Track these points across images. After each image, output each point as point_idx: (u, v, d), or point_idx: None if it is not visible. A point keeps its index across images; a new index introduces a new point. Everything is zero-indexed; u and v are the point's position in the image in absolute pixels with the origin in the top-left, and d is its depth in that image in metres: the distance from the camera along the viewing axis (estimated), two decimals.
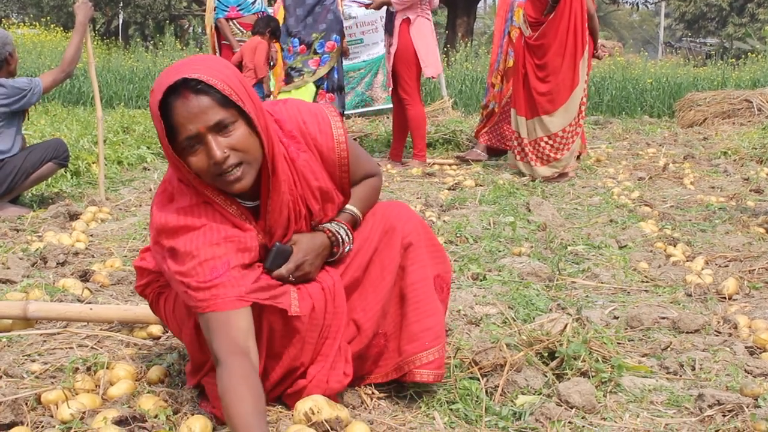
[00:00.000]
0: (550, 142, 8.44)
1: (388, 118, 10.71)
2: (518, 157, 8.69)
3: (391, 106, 10.60)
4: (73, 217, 6.49)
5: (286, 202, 2.76)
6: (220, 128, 2.53)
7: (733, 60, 22.88)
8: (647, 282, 4.75)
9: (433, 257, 3.05)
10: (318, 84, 9.52)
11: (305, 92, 9.61)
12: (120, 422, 2.74)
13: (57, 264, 5.01)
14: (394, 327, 3.02)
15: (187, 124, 2.50)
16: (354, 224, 3.00)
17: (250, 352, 2.56)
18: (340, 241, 2.92)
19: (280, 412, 2.94)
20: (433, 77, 10.20)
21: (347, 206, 3.00)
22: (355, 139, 11.17)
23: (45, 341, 3.70)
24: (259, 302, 2.66)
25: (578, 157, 9.06)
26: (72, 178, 8.22)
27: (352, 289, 2.98)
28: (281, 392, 2.97)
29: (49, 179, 7.54)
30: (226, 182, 2.60)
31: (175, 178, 2.72)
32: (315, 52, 9.40)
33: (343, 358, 2.94)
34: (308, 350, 2.87)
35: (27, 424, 2.76)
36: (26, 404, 2.91)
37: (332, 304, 2.89)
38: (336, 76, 9.50)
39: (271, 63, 9.78)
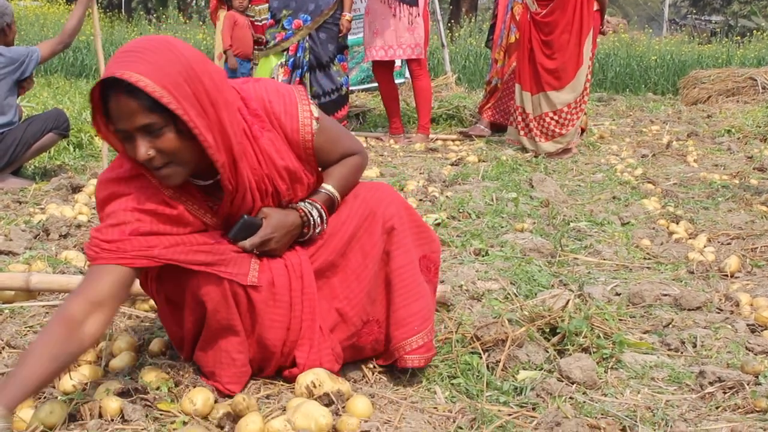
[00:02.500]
0: (555, 117, 8.42)
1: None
2: (522, 132, 8.65)
3: (398, 81, 10.55)
4: (76, 189, 6.49)
5: (245, 186, 2.74)
6: (147, 131, 2.51)
7: (738, 38, 22.82)
8: (649, 259, 4.75)
9: (417, 239, 3.01)
10: (283, 61, 9.42)
11: (265, 64, 9.55)
12: (122, 394, 2.75)
13: (59, 236, 5.01)
14: (384, 313, 2.99)
15: (117, 120, 2.51)
16: (331, 204, 2.97)
17: (89, 318, 2.54)
18: (312, 222, 2.91)
19: (282, 385, 2.95)
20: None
21: (324, 185, 2.97)
22: (357, 115, 11.15)
23: (47, 313, 3.71)
24: (172, 262, 2.66)
25: (582, 134, 9.04)
26: (74, 150, 8.21)
27: (330, 274, 2.96)
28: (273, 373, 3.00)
29: (52, 151, 7.54)
30: (157, 177, 2.63)
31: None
32: (283, 28, 9.34)
33: (327, 340, 2.94)
34: (277, 328, 2.85)
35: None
36: None
37: (298, 283, 2.87)
38: (301, 55, 9.34)
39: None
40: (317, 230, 2.93)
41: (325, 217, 2.94)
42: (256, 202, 2.83)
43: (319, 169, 3.01)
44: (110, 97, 2.48)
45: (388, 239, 2.92)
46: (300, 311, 2.88)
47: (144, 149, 2.51)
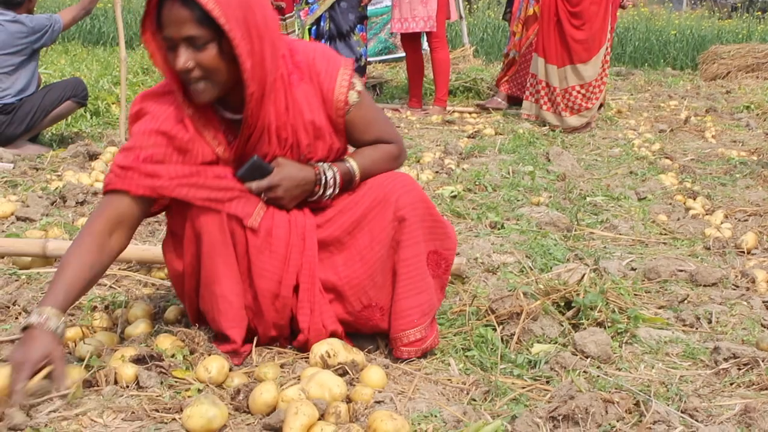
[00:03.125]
0: (583, 91, 8.35)
1: None
2: (545, 107, 8.58)
3: None
4: (93, 157, 6.50)
5: (266, 127, 2.84)
6: (192, 43, 2.63)
7: (759, 13, 22.58)
8: (666, 234, 4.73)
9: (430, 233, 2.96)
10: (309, 30, 9.40)
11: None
12: (137, 360, 2.76)
13: (76, 203, 5.02)
14: (388, 300, 2.96)
15: (166, 26, 2.65)
16: (349, 179, 2.98)
17: (114, 232, 2.79)
18: (324, 181, 2.93)
19: (296, 354, 2.96)
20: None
21: (348, 158, 3.00)
22: (374, 86, 11.11)
23: None
24: (175, 196, 2.78)
25: (600, 108, 8.99)
26: (91, 118, 8.22)
27: (335, 249, 2.96)
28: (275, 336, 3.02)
29: (69, 119, 7.55)
30: (190, 90, 2.74)
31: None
32: (306, 2, 9.31)
33: (327, 303, 2.95)
34: (268, 279, 2.87)
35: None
36: None
37: (298, 241, 2.90)
38: (324, 24, 9.30)
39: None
40: (328, 192, 2.95)
41: (338, 182, 2.95)
42: (273, 147, 2.88)
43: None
44: (165, 2, 2.63)
45: (398, 228, 2.88)
46: (296, 268, 2.89)
47: (184, 59, 2.63)
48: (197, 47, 2.63)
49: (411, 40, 9.46)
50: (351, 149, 3.10)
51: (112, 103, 8.62)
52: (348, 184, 2.99)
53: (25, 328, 2.56)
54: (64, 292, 2.65)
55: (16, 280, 3.71)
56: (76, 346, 2.92)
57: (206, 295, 2.91)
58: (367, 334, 3.06)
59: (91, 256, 2.71)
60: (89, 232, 2.75)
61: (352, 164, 2.97)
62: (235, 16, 2.61)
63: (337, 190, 2.96)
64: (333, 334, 2.94)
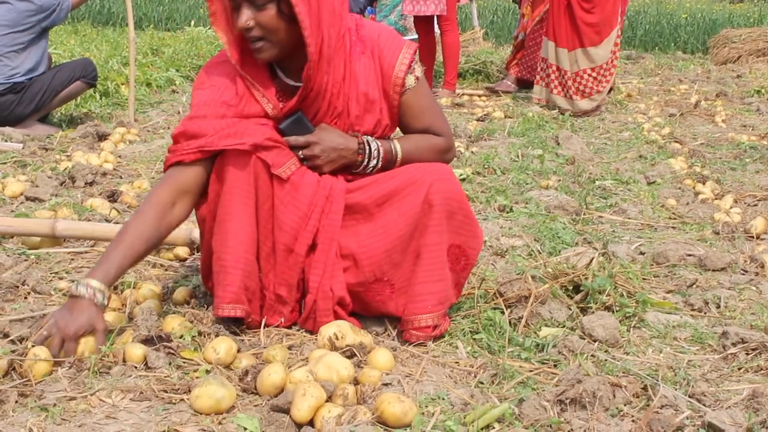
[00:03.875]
0: (593, 74, 8.33)
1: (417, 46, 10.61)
2: (556, 91, 8.55)
3: None
4: (102, 137, 6.51)
5: (322, 92, 2.92)
6: (253, 2, 2.76)
7: None
8: (675, 219, 4.73)
9: (456, 226, 2.94)
10: None
11: None
12: (146, 341, 2.77)
13: (85, 184, 5.03)
14: (405, 282, 2.95)
15: None
16: (389, 156, 3.03)
17: (177, 202, 2.91)
18: (368, 151, 2.99)
19: (304, 336, 2.96)
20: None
21: (393, 141, 3.06)
22: None
23: (73, 259, 3.73)
24: (221, 148, 2.86)
25: (609, 92, 8.96)
26: (101, 98, 8.23)
27: (361, 218, 2.96)
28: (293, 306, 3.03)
29: (78, 99, 7.56)
30: (252, 48, 2.86)
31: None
32: None
33: (340, 269, 2.96)
34: (286, 231, 2.90)
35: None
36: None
37: (324, 202, 2.93)
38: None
39: None
40: (372, 162, 3.01)
41: (382, 155, 3.01)
42: (322, 113, 2.97)
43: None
44: None
45: (428, 212, 2.87)
46: (314, 228, 2.93)
47: (245, 18, 2.77)
48: (258, 7, 2.75)
49: (424, 23, 9.45)
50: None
51: (122, 84, 8.63)
52: (388, 164, 3.03)
53: (72, 296, 2.68)
54: (116, 266, 2.76)
55: (26, 260, 3.71)
56: None
57: (217, 232, 2.92)
58: (373, 315, 3.06)
59: (150, 230, 2.83)
60: (151, 205, 2.86)
61: (396, 145, 3.04)
62: None
63: (380, 164, 3.02)
64: (340, 302, 2.95)
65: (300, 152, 2.93)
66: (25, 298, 3.30)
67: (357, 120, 2.98)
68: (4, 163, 5.57)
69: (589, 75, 8.35)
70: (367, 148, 2.98)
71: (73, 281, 2.69)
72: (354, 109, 2.97)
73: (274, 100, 2.92)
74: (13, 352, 2.63)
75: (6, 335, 2.86)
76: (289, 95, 2.97)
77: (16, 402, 2.40)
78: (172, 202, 2.88)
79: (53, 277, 3.52)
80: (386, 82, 2.98)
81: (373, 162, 3.00)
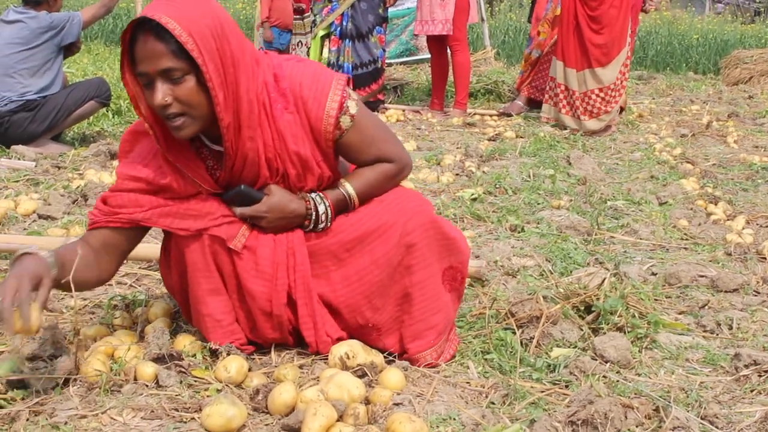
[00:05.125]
0: (602, 94, 8.33)
1: (429, 66, 10.64)
2: (564, 111, 8.56)
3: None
4: (114, 156, 6.53)
5: (249, 157, 2.75)
6: (169, 76, 2.54)
7: None
8: (687, 239, 4.71)
9: (443, 251, 2.89)
10: (331, 30, 9.45)
11: (315, 44, 9.61)
12: (157, 360, 2.77)
13: None
14: (392, 323, 2.93)
15: (141, 61, 2.54)
16: (344, 205, 2.90)
17: (101, 256, 2.80)
18: (314, 217, 2.86)
19: (315, 356, 2.96)
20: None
21: (345, 183, 2.90)
22: (395, 88, 11.12)
23: None
24: (159, 226, 2.79)
25: (621, 112, 8.96)
26: (113, 117, 8.26)
27: (331, 265, 2.90)
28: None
29: (91, 118, 7.59)
30: (169, 126, 2.64)
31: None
32: (328, 0, 9.35)
33: (327, 314, 2.93)
34: (260, 299, 2.85)
35: (70, 355, 2.79)
36: (66, 338, 2.95)
37: (287, 258, 2.86)
38: (347, 23, 9.34)
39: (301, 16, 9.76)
40: (319, 226, 2.88)
41: (330, 216, 2.88)
42: (263, 176, 2.82)
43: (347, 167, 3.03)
44: (138, 38, 2.53)
45: (407, 253, 2.83)
46: (285, 286, 2.86)
47: (162, 94, 2.53)
48: (174, 81, 2.54)
49: (436, 42, 9.48)
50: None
51: None
52: (345, 210, 2.91)
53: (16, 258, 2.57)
54: (65, 253, 2.65)
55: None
56: (96, 342, 2.93)
57: (194, 314, 2.94)
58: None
59: (88, 255, 2.72)
60: (82, 243, 2.77)
61: (348, 189, 2.88)
62: (207, 47, 2.52)
63: (329, 224, 2.89)
64: (340, 338, 2.94)
65: (248, 219, 2.84)
66: None
67: (298, 179, 2.85)
68: (17, 181, 5.59)
69: (597, 95, 8.35)
70: (313, 213, 2.86)
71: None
72: (291, 169, 2.82)
73: (207, 179, 2.79)
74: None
75: (17, 353, 2.87)
76: (219, 160, 2.83)
77: (28, 420, 2.40)
78: (97, 252, 2.78)
79: (65, 295, 3.52)
80: (317, 135, 2.78)
81: (321, 225, 2.88)
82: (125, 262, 3.60)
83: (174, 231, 2.76)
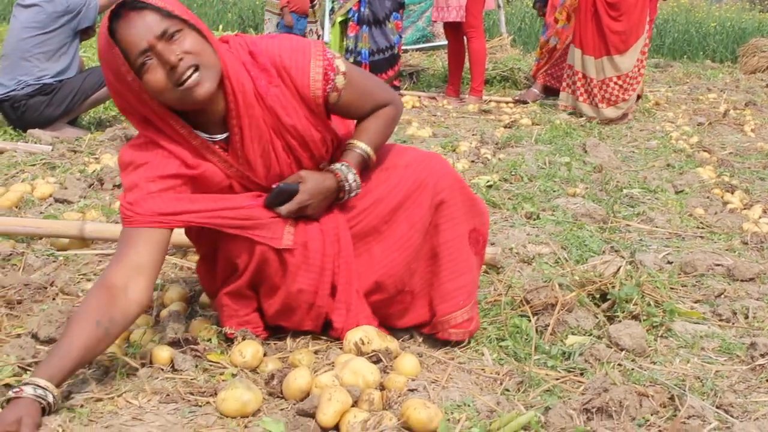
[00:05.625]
0: (620, 82, 8.29)
1: (445, 53, 10.62)
2: (582, 99, 8.52)
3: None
4: (130, 140, 6.52)
5: (256, 126, 2.71)
6: (167, 37, 2.50)
7: None
8: (703, 228, 4.70)
9: (468, 212, 2.96)
10: (349, 17, 9.43)
11: (335, 30, 9.61)
12: (173, 344, 2.78)
13: (113, 186, 5.06)
14: (422, 285, 2.96)
15: (135, 40, 2.49)
16: (364, 164, 2.90)
17: (130, 284, 2.55)
18: (347, 187, 2.85)
19: (330, 341, 2.96)
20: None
21: (357, 143, 2.90)
22: (410, 74, 11.10)
23: (100, 261, 3.75)
24: (207, 225, 2.70)
25: (637, 100, 8.93)
26: None
27: (372, 240, 2.93)
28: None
29: (107, 102, 7.59)
30: (187, 92, 2.53)
31: (136, 117, 2.69)
32: None
33: (364, 304, 2.93)
34: (306, 292, 2.84)
35: None
36: None
37: (333, 247, 2.86)
38: (364, 9, 9.32)
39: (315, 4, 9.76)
40: (352, 194, 2.88)
41: (359, 182, 2.87)
42: (269, 154, 2.79)
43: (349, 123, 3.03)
44: (120, 26, 2.51)
45: (437, 212, 2.87)
46: (330, 276, 2.86)
47: (170, 53, 2.48)
48: (173, 40, 2.50)
49: (453, 29, 9.44)
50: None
51: None
52: (365, 168, 2.92)
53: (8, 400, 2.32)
54: (62, 360, 2.39)
55: (54, 261, 3.74)
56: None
57: (217, 300, 2.95)
58: (388, 322, 3.05)
59: (99, 313, 2.48)
60: (100, 286, 2.55)
61: (363, 147, 2.89)
62: (188, 12, 2.58)
63: (359, 190, 2.89)
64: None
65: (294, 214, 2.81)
66: (54, 299, 3.32)
67: (302, 150, 2.82)
68: (34, 165, 5.60)
69: (615, 83, 8.31)
70: (345, 184, 2.84)
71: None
72: (291, 141, 2.79)
73: (228, 166, 2.75)
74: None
75: (35, 336, 2.89)
76: (224, 149, 2.76)
77: None
78: (124, 284, 2.54)
79: (81, 278, 3.54)
80: (308, 102, 2.74)
81: (353, 193, 2.88)
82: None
83: (223, 230, 2.70)
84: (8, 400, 2.29)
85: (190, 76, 2.52)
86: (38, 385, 2.30)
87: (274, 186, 2.77)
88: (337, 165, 2.86)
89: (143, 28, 2.48)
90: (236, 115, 2.65)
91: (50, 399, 2.31)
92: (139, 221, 2.61)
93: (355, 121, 2.99)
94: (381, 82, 3.04)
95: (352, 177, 2.85)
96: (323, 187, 2.82)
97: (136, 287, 2.56)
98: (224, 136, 2.74)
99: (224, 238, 2.76)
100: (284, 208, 2.76)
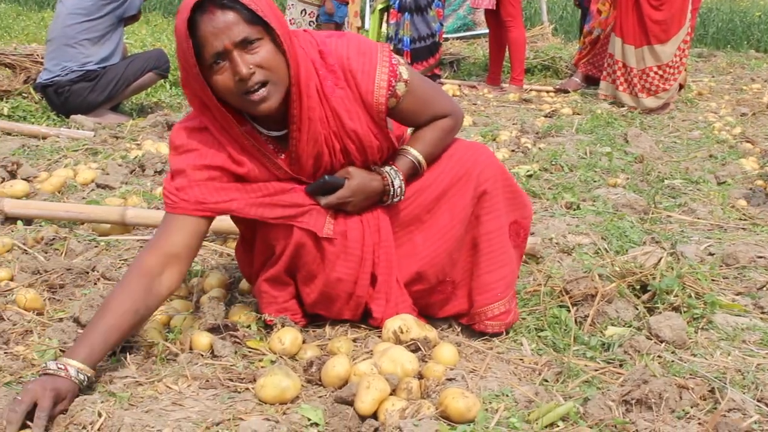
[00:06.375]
0: (660, 72, 8.23)
1: (487, 41, 10.58)
2: (621, 88, 8.46)
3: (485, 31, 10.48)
4: (171, 126, 6.58)
5: (314, 131, 2.69)
6: (245, 45, 2.47)
7: None
8: (745, 220, 4.65)
9: (510, 204, 2.95)
10: (390, 3, 9.43)
11: (374, 18, 9.61)
12: (212, 330, 2.80)
13: (154, 172, 5.09)
14: (463, 275, 2.96)
15: (212, 40, 2.46)
16: (414, 172, 2.89)
17: (166, 271, 2.63)
18: (392, 192, 2.85)
19: (369, 330, 2.97)
20: None
21: (410, 150, 2.89)
22: (451, 63, 11.08)
23: (141, 247, 3.78)
24: (250, 216, 2.72)
25: (680, 90, 8.85)
26: (171, 88, 8.32)
27: (414, 229, 2.93)
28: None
29: (149, 89, 7.65)
30: (251, 102, 2.54)
31: (195, 101, 2.66)
32: None
33: (404, 294, 2.94)
34: (345, 281, 2.85)
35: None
36: None
37: (373, 237, 2.86)
38: None
39: None
40: (395, 200, 2.87)
41: (404, 189, 2.86)
42: (324, 155, 2.78)
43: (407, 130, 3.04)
44: (200, 20, 2.46)
45: (478, 203, 2.86)
46: (370, 266, 2.87)
47: (244, 66, 2.46)
48: (251, 49, 2.49)
49: (493, 17, 9.43)
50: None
51: None
52: (414, 177, 2.91)
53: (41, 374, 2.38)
54: (98, 341, 2.45)
55: (96, 246, 3.77)
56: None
57: (256, 287, 2.97)
58: (428, 312, 3.06)
59: (137, 302, 2.55)
60: (137, 273, 2.60)
61: (415, 155, 2.88)
62: (273, 11, 2.53)
63: (402, 197, 2.88)
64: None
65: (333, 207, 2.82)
66: (95, 283, 3.35)
67: (358, 154, 2.82)
68: (76, 151, 5.66)
69: (656, 73, 8.24)
70: (390, 189, 2.84)
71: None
72: (350, 145, 2.79)
73: (276, 163, 2.75)
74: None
75: (77, 320, 2.91)
76: (280, 147, 2.77)
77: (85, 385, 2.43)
78: (160, 271, 2.61)
79: (122, 264, 3.57)
80: (369, 109, 2.74)
81: (396, 199, 2.87)
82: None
83: (264, 219, 2.72)
84: (46, 373, 2.35)
85: (257, 91, 2.52)
86: (79, 369, 2.37)
87: (324, 177, 2.78)
88: (387, 168, 2.87)
89: (224, 30, 2.45)
90: (298, 115, 2.63)
91: (85, 383, 2.39)
92: (181, 208, 2.65)
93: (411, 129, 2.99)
94: (442, 92, 3.01)
95: (398, 182, 2.85)
96: (368, 188, 2.83)
97: (171, 276, 2.64)
98: (281, 133, 2.75)
99: (263, 223, 2.78)
100: (324, 200, 2.78)
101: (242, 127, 2.66)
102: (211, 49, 2.46)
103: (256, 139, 2.69)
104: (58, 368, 2.35)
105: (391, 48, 2.95)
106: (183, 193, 2.65)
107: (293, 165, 2.76)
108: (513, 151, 6.17)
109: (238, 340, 2.78)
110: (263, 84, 2.51)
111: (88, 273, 3.41)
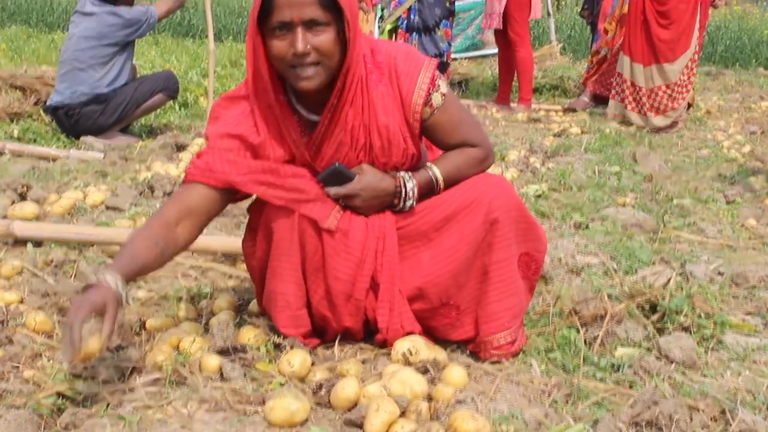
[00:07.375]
0: (668, 91, 8.24)
1: (495, 61, 10.61)
2: (630, 107, 8.47)
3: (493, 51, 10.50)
4: (180, 148, 6.60)
5: (344, 118, 2.78)
6: (311, 25, 2.59)
7: None
8: (755, 239, 4.64)
9: (523, 235, 2.93)
10: (398, 24, 9.48)
11: (383, 37, 9.66)
12: (221, 352, 2.80)
13: (164, 194, 5.10)
14: (471, 302, 2.94)
15: (284, 8, 2.57)
16: (430, 187, 2.91)
17: (182, 221, 2.81)
18: (404, 194, 2.88)
19: (378, 351, 2.97)
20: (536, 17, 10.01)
21: (431, 166, 2.93)
22: (460, 83, 11.10)
23: None
24: (254, 192, 2.84)
25: (688, 108, 8.85)
26: (180, 109, 8.35)
27: (421, 245, 2.92)
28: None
29: (158, 110, 7.68)
30: (296, 76, 2.66)
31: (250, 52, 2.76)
32: None
33: (407, 304, 2.93)
34: (343, 281, 2.86)
35: (136, 346, 2.84)
36: (132, 329, 3.00)
37: (376, 243, 2.87)
38: (414, 16, 9.37)
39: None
40: (408, 203, 2.90)
41: (416, 194, 2.89)
42: (346, 147, 2.84)
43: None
44: None
45: (490, 230, 2.84)
46: (370, 270, 2.87)
47: (303, 43, 2.58)
48: (317, 30, 2.60)
49: (502, 37, 9.45)
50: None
51: (200, 95, 8.75)
52: (429, 193, 2.93)
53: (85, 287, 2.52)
54: (130, 263, 2.65)
55: (105, 268, 3.77)
56: (162, 333, 2.97)
57: (266, 292, 2.97)
58: (442, 339, 3.04)
59: (158, 237, 2.72)
60: (156, 218, 2.80)
61: (435, 172, 2.91)
62: (351, 4, 2.64)
63: (415, 203, 2.91)
64: (410, 333, 2.94)
65: (341, 200, 2.85)
66: None
67: (381, 153, 2.86)
68: (86, 173, 5.67)
69: (664, 92, 8.26)
70: (402, 190, 2.88)
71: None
72: (376, 141, 2.83)
73: (299, 141, 2.82)
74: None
75: None
76: (308, 129, 2.84)
77: (93, 410, 2.43)
78: (177, 221, 2.78)
79: (132, 286, 3.57)
80: (406, 110, 2.82)
81: (409, 202, 2.90)
82: (191, 254, 3.65)
83: (267, 199, 2.80)
84: (88, 286, 2.51)
85: (306, 68, 2.64)
86: (112, 277, 2.52)
87: (336, 164, 2.82)
88: (402, 172, 2.91)
89: (298, 5, 2.57)
90: (336, 104, 2.74)
91: (124, 295, 2.55)
92: (191, 174, 2.85)
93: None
94: (478, 123, 3.08)
95: (411, 186, 2.88)
96: (379, 186, 2.86)
97: (186, 227, 2.82)
98: (316, 118, 2.82)
99: (267, 205, 2.85)
100: (333, 189, 2.82)
101: (278, 96, 2.77)
102: (280, 16, 2.59)
103: (286, 112, 2.80)
104: (100, 279, 2.51)
105: None
106: (200, 159, 2.85)
107: (312, 149, 2.83)
108: (522, 170, 6.17)
109: (247, 363, 2.78)
110: (314, 64, 2.63)
111: None
